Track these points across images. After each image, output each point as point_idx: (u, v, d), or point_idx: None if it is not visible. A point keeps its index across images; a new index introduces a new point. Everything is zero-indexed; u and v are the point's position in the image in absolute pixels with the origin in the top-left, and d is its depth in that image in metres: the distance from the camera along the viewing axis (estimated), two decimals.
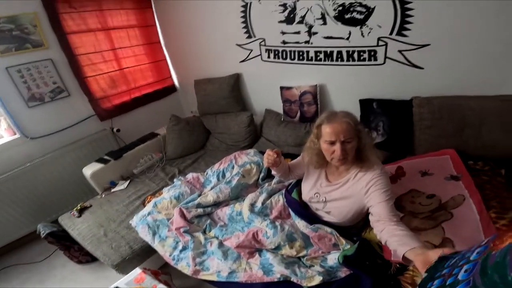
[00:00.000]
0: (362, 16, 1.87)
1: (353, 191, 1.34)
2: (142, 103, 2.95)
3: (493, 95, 1.61)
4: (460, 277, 0.57)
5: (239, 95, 2.69)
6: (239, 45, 2.53)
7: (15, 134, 2.30)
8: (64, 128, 2.48)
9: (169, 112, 2.76)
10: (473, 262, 0.58)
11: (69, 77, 2.43)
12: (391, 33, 1.82)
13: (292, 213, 1.57)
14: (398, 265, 1.26)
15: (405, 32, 1.77)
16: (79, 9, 2.40)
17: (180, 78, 3.21)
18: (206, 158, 2.50)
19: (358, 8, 1.86)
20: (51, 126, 2.41)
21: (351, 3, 1.87)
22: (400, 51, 1.84)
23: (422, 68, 1.81)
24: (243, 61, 2.58)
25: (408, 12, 1.71)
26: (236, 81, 2.64)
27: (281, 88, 2.37)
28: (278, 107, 2.48)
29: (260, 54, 2.45)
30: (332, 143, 1.25)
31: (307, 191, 1.54)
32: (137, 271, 1.63)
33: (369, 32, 1.89)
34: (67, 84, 2.42)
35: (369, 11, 1.83)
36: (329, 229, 1.41)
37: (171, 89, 3.22)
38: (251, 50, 2.49)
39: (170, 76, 3.20)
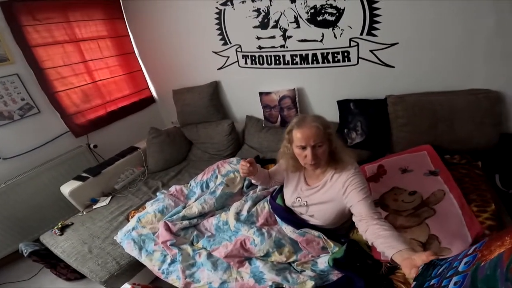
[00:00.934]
0: (333, 18, 1.88)
1: (332, 194, 1.32)
2: (119, 117, 2.81)
3: (461, 90, 1.66)
4: None
5: (219, 103, 2.63)
6: (216, 52, 2.47)
7: None
8: (37, 146, 2.34)
9: (149, 124, 2.66)
10: (463, 274, 0.56)
11: (38, 93, 2.30)
12: (361, 33, 1.83)
13: (278, 219, 1.53)
14: (388, 264, 1.25)
15: (374, 32, 1.79)
16: (44, 21, 2.26)
17: (158, 89, 3.10)
18: (189, 170, 2.42)
19: (329, 10, 1.87)
20: (23, 145, 2.27)
21: (322, 5, 1.87)
22: (371, 51, 1.86)
23: (393, 67, 1.83)
24: (220, 68, 2.52)
25: (376, 12, 1.73)
26: (215, 89, 2.57)
27: (260, 93, 2.34)
28: (259, 113, 2.44)
29: (237, 61, 2.41)
30: (303, 148, 1.24)
31: (289, 196, 1.51)
32: (126, 287, 1.55)
33: (341, 33, 1.90)
34: (36, 100, 2.29)
35: (340, 12, 1.84)
36: (316, 233, 1.38)
37: (149, 100, 3.10)
38: (228, 57, 2.44)
39: (148, 87, 3.08)
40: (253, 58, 2.32)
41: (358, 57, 1.91)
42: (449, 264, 0.63)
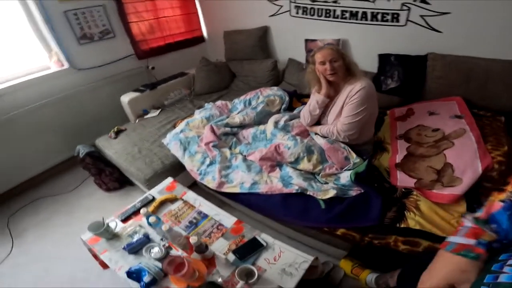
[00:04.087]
0: None
1: (340, 103, 1.46)
2: (174, 49, 2.91)
3: (502, 59, 1.58)
4: None
5: (265, 45, 2.63)
6: (270, 1, 2.43)
7: (63, 66, 2.27)
8: (107, 63, 2.48)
9: (197, 58, 2.74)
10: None
11: (116, 22, 2.45)
12: (415, 0, 1.75)
13: (311, 133, 1.58)
14: (403, 190, 1.29)
15: (429, 1, 1.71)
16: None
17: (209, 30, 3.12)
18: (230, 96, 2.47)
19: None
20: (96, 61, 2.41)
21: None
22: (421, 16, 1.78)
23: (440, 32, 1.77)
24: (272, 15, 2.49)
25: None
26: (264, 33, 2.57)
27: (306, 40, 2.33)
28: (301, 57, 2.45)
29: (289, 10, 2.37)
30: (323, 63, 1.42)
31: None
32: (169, 180, 1.59)
33: None
34: (114, 27, 2.44)
35: None
36: (342, 144, 1.44)
37: (200, 39, 3.16)
38: (281, 6, 2.40)
39: (200, 28, 3.13)
40: (305, 9, 2.26)
41: (407, 20, 1.84)
42: None
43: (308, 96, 1.80)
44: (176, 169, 1.80)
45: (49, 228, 1.94)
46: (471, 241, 0.53)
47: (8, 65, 2.07)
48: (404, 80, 1.83)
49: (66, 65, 2.25)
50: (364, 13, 2.00)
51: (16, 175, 2.19)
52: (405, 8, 1.80)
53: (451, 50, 1.72)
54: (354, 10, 2.02)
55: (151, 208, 1.37)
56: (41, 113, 2.17)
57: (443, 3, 1.66)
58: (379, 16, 1.94)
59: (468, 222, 0.56)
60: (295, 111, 1.87)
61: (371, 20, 1.99)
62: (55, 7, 2.07)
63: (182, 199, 1.44)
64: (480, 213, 0.55)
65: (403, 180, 1.31)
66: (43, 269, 1.67)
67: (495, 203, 0.54)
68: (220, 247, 1.17)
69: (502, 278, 0.42)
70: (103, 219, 1.28)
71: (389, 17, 1.91)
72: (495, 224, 0.52)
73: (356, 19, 2.05)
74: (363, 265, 1.27)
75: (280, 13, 2.42)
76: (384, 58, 1.96)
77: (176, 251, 1.18)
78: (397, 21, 1.88)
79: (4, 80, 2.05)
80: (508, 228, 0.51)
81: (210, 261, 1.12)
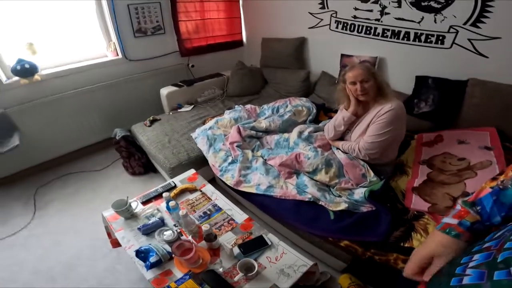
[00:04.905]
0: (439, 6, 1.78)
1: (366, 122, 1.48)
2: (214, 50, 3.10)
3: None
4: None
5: (301, 55, 2.71)
6: (311, 14, 2.51)
7: (117, 55, 2.55)
8: (154, 57, 2.73)
9: (233, 61, 2.90)
10: None
11: (167, 19, 2.67)
12: (465, 23, 1.73)
13: (333, 147, 1.62)
14: (415, 212, 1.31)
15: (479, 24, 1.68)
16: None
17: (248, 35, 3.28)
18: (260, 101, 2.58)
19: None
20: (145, 54, 2.66)
21: None
22: (469, 39, 1.75)
23: (487, 57, 1.72)
24: (311, 27, 2.57)
25: (488, 8, 1.61)
26: (301, 43, 2.65)
27: (342, 55, 2.36)
28: (334, 71, 2.48)
29: (329, 24, 2.43)
30: (354, 83, 1.45)
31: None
32: (192, 171, 1.71)
33: (443, 20, 1.80)
34: (165, 24, 2.67)
35: (448, 3, 1.74)
36: (361, 162, 1.46)
37: (239, 43, 3.33)
38: (321, 20, 2.47)
39: (240, 32, 3.30)
40: (345, 24, 2.31)
41: (453, 43, 1.81)
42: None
43: (335, 111, 1.85)
44: (199, 162, 1.92)
45: (72, 203, 2.08)
46: (455, 221, 0.60)
47: (70, 50, 2.35)
48: (438, 105, 1.79)
49: (120, 55, 2.52)
50: (407, 33, 1.99)
51: (55, 148, 2.41)
52: (452, 30, 1.78)
53: (494, 77, 1.66)
54: (397, 29, 2.03)
55: (171, 194, 1.50)
56: (88, 96, 2.42)
57: (494, 28, 1.62)
58: (423, 37, 1.92)
59: (458, 205, 0.62)
60: (320, 124, 1.92)
61: (414, 40, 1.97)
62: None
63: (201, 191, 1.55)
64: (470, 197, 0.62)
65: (417, 203, 1.32)
66: (54, 242, 1.77)
67: (486, 189, 0.59)
68: (227, 240, 1.24)
69: (465, 280, 0.45)
70: (127, 198, 1.40)
71: (433, 38, 1.88)
72: (480, 206, 0.58)
73: (398, 39, 2.05)
74: (360, 285, 1.29)
75: (320, 26, 2.49)
76: (421, 80, 1.93)
77: (187, 238, 1.27)
78: (442, 43, 1.85)
79: (64, 63, 2.33)
80: (491, 211, 0.56)
81: (215, 251, 1.20)
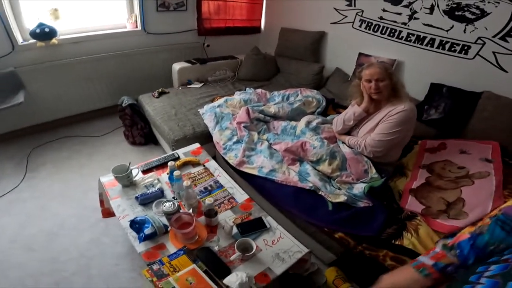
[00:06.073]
0: (473, 17, 1.79)
1: (376, 120, 1.52)
2: (231, 33, 3.12)
3: None
4: None
5: (317, 49, 2.74)
6: (336, 9, 2.52)
7: (137, 27, 2.58)
8: (172, 32, 2.76)
9: (248, 46, 2.92)
10: None
11: None
12: (494, 36, 1.75)
13: (338, 141, 1.64)
14: (409, 213, 1.35)
15: (508, 38, 1.70)
16: None
17: (267, 22, 3.29)
18: (270, 88, 2.57)
19: (473, 10, 1.78)
20: (164, 28, 2.70)
21: (468, 4, 1.79)
22: (494, 52, 1.78)
23: (506, 72, 1.75)
24: (334, 23, 2.58)
25: None
26: (320, 37, 2.68)
27: (360, 54, 2.39)
28: (348, 69, 2.51)
29: (353, 22, 2.44)
30: (370, 81, 1.47)
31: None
32: (196, 145, 1.72)
33: (473, 30, 1.82)
34: (188, 1, 2.69)
35: (483, 14, 1.75)
36: (365, 158, 1.50)
37: (257, 29, 3.35)
38: (346, 16, 2.48)
39: (260, 19, 3.31)
40: (370, 24, 2.32)
41: (477, 54, 1.83)
42: None
43: (345, 107, 1.88)
44: (203, 138, 1.93)
45: (65, 167, 2.06)
46: (431, 262, 0.66)
47: (91, 18, 2.37)
48: (448, 113, 1.83)
49: (139, 27, 2.55)
50: (432, 40, 2.01)
51: (58, 110, 2.42)
52: (479, 42, 1.80)
53: (508, 92, 1.70)
54: (422, 34, 2.04)
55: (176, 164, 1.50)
56: (102, 63, 2.45)
57: None
58: (448, 45, 1.95)
59: (438, 248, 0.68)
60: (328, 117, 1.95)
61: (437, 47, 2.00)
62: None
63: (204, 165, 1.57)
64: (450, 240, 0.67)
65: (412, 204, 1.37)
66: (40, 208, 1.71)
67: (465, 234, 0.65)
68: (226, 218, 1.26)
69: None
70: (129, 164, 1.38)
71: (458, 48, 1.91)
72: (458, 250, 0.63)
73: (421, 44, 2.07)
74: (345, 279, 1.33)
75: (343, 23, 2.51)
76: (435, 88, 1.96)
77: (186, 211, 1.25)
78: (466, 53, 1.88)
79: (83, 30, 2.35)
80: (467, 254, 0.61)
81: (212, 229, 1.21)
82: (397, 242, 1.21)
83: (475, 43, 1.82)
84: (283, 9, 2.97)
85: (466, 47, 1.86)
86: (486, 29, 1.75)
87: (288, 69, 2.80)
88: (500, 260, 0.51)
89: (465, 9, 1.79)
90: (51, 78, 2.26)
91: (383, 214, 1.30)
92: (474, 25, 1.79)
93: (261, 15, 3.27)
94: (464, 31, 1.84)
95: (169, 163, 1.41)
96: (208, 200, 1.18)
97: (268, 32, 3.26)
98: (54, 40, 2.13)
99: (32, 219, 1.66)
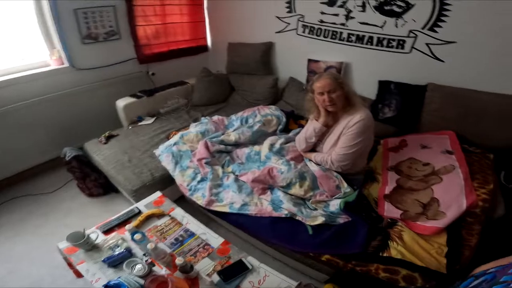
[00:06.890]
0: (400, 10, 1.89)
1: (337, 133, 1.54)
2: (176, 56, 3.00)
3: (500, 93, 1.66)
4: None
5: (268, 61, 2.74)
6: (278, 17, 2.55)
7: (62, 64, 2.34)
8: (107, 65, 2.56)
9: (198, 68, 2.83)
10: None
11: (123, 23, 2.53)
12: (423, 27, 1.85)
13: (305, 159, 1.64)
14: (389, 220, 1.37)
15: (436, 29, 1.81)
16: None
17: (213, 40, 3.24)
18: (227, 110, 2.54)
19: (399, 3, 1.88)
20: (97, 62, 2.49)
21: None
22: (427, 44, 1.88)
23: (442, 61, 1.86)
24: (278, 32, 2.61)
25: (445, 12, 1.74)
26: (268, 48, 2.68)
27: (309, 60, 2.43)
28: (302, 77, 2.55)
29: (296, 28, 2.48)
30: (322, 94, 1.48)
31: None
32: (157, 194, 1.62)
33: (403, 24, 1.92)
34: (120, 29, 2.53)
35: (408, 7, 1.86)
36: (334, 173, 1.51)
37: (203, 48, 3.28)
38: (289, 24, 2.52)
39: (205, 37, 3.24)
40: (312, 29, 2.38)
41: (412, 47, 1.94)
42: (492, 277, 0.57)
43: (305, 119, 1.87)
44: (165, 182, 1.82)
45: (23, 229, 1.92)
46: None
47: (6, 58, 2.11)
48: (401, 110, 1.91)
49: (66, 64, 2.32)
50: (371, 38, 2.10)
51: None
52: (412, 35, 1.91)
53: (450, 81, 1.81)
54: (361, 34, 2.13)
55: (136, 222, 1.41)
56: (33, 110, 2.21)
57: (450, 32, 1.76)
58: (385, 42, 2.04)
59: None
60: (291, 134, 1.94)
61: (377, 45, 2.09)
62: (66, 4, 2.14)
63: (170, 215, 1.47)
64: None
65: (390, 210, 1.40)
66: (8, 272, 1.64)
67: None
68: (205, 267, 1.20)
69: None
70: (83, 230, 1.29)
71: (395, 43, 2.01)
72: None
73: (362, 43, 2.15)
74: None
75: (287, 31, 2.54)
76: (384, 85, 2.05)
77: (160, 268, 1.20)
78: (402, 48, 1.98)
79: (1, 73, 2.09)
80: None
81: (193, 281, 1.14)
82: (385, 254, 1.21)
83: (408, 36, 1.92)
84: (227, 23, 2.94)
85: (401, 42, 1.96)
86: (415, 21, 1.85)
87: (242, 86, 2.77)
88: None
89: (392, 2, 1.89)
90: None
91: (364, 227, 1.30)
92: (403, 19, 1.89)
93: (206, 32, 3.20)
94: (396, 26, 1.94)
95: (126, 227, 1.31)
96: (178, 260, 1.11)
97: (216, 49, 3.20)
98: None
99: (7, 284, 1.58)
